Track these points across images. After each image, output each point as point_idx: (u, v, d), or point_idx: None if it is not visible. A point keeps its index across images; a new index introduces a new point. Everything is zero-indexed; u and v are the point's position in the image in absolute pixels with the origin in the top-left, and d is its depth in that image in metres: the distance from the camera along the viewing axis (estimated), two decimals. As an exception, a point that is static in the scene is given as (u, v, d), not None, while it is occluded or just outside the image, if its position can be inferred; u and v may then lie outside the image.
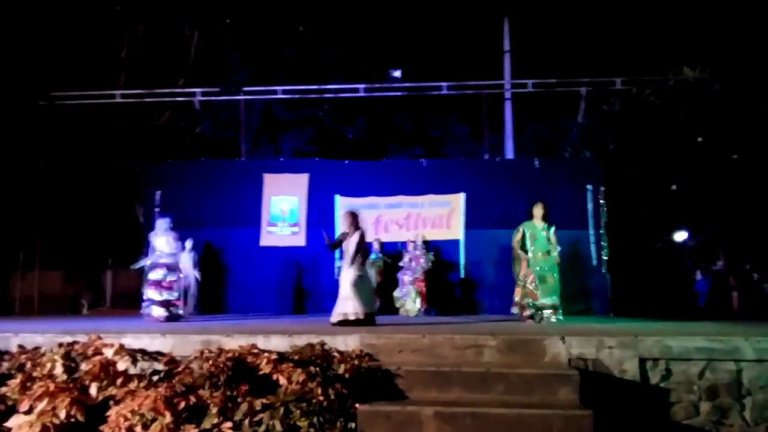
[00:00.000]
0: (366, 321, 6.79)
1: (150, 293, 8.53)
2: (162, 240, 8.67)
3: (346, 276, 7.11)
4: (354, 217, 7.41)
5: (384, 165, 12.89)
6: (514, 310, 8.30)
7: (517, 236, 8.21)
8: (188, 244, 10.41)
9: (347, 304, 6.90)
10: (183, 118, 15.87)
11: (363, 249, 7.25)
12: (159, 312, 8.40)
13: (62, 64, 14.25)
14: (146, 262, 8.79)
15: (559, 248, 8.13)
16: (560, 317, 7.96)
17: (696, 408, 4.82)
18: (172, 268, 8.71)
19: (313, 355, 4.59)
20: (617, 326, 6.75)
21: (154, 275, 8.56)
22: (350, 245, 7.19)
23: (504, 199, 11.02)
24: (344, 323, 6.70)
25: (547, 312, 7.89)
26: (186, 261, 10.29)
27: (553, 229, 8.18)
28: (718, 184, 11.09)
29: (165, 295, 8.52)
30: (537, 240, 8.07)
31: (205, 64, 16.26)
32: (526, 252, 8.10)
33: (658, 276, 11.83)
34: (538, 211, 8.21)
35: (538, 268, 8.00)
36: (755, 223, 12.92)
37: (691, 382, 4.84)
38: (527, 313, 7.97)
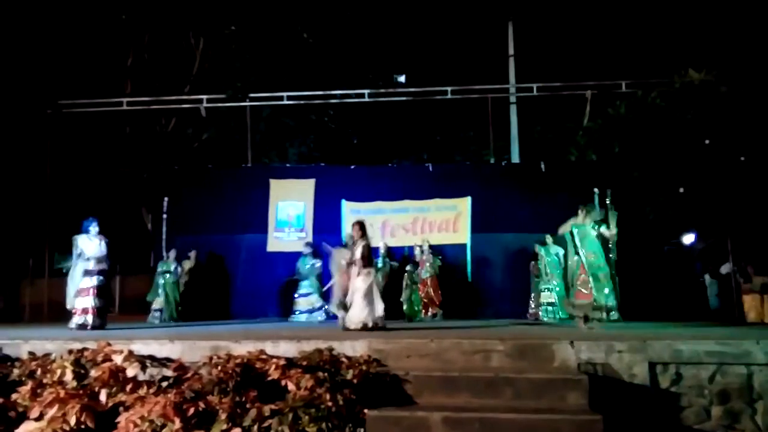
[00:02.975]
0: (380, 327, 6.90)
1: (81, 302, 7.92)
2: (93, 244, 8.13)
3: (361, 284, 7.08)
4: (362, 228, 7.42)
5: (390, 170, 12.91)
6: (579, 314, 7.44)
7: (566, 226, 7.85)
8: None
9: (365, 311, 6.91)
10: (189, 125, 15.97)
11: (370, 258, 7.30)
12: (86, 320, 7.80)
13: (69, 72, 14.37)
14: (76, 280, 8.12)
15: (615, 229, 7.73)
16: (615, 316, 7.49)
17: (707, 412, 4.78)
18: (104, 274, 8.22)
19: (322, 360, 4.59)
20: (626, 330, 6.71)
21: (88, 282, 8.02)
22: (355, 253, 7.21)
23: (510, 203, 11.03)
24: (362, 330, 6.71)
25: (613, 314, 7.43)
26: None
27: (615, 216, 7.85)
28: (726, 187, 11.04)
29: (95, 302, 7.93)
30: (587, 239, 7.67)
31: (210, 71, 16.36)
32: (576, 252, 7.70)
33: (667, 279, 11.76)
34: (582, 213, 7.89)
35: (591, 269, 7.56)
36: (764, 226, 12.84)
37: (701, 386, 4.80)
38: (591, 314, 7.34)
